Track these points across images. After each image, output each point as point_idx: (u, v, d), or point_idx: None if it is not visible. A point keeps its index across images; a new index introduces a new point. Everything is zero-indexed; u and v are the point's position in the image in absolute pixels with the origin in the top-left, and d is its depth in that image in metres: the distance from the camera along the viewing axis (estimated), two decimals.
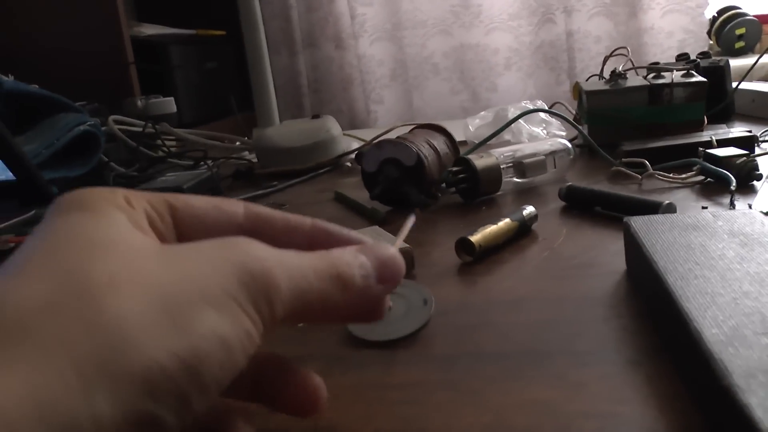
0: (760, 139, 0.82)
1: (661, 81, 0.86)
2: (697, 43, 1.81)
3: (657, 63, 0.99)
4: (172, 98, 1.30)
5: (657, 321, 0.39)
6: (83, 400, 0.17)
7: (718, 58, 0.99)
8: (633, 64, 0.97)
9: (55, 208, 0.22)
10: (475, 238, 0.53)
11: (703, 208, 0.61)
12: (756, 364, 0.27)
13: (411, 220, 0.33)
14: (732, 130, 0.81)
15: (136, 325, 0.18)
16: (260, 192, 0.87)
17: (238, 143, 1.19)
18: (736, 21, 1.98)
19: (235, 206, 0.27)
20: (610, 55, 1.00)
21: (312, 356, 0.42)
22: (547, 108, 1.06)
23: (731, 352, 0.28)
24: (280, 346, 0.43)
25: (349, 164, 0.96)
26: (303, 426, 0.33)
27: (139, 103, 1.27)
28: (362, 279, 0.25)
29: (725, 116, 0.98)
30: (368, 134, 1.17)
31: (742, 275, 0.36)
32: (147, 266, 0.20)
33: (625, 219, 0.47)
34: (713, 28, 2.01)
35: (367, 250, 0.26)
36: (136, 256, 0.21)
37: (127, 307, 0.18)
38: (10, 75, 1.10)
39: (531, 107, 1.00)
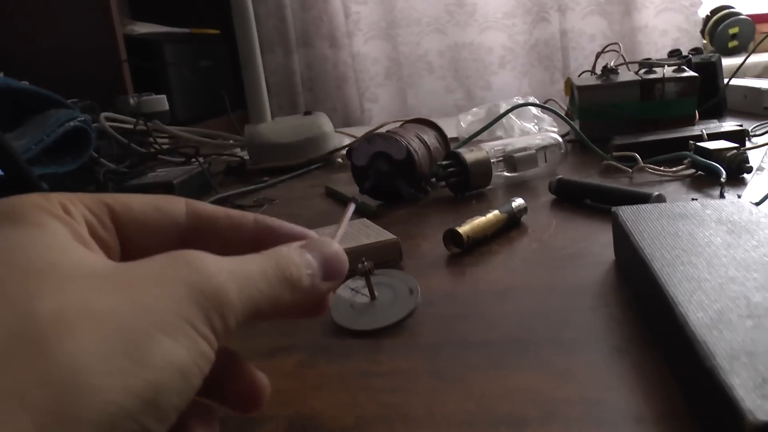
0: (752, 133, 0.82)
1: (652, 76, 0.86)
2: (691, 42, 1.81)
3: (649, 59, 0.99)
4: (164, 96, 1.29)
5: (645, 309, 0.39)
6: None
7: (710, 54, 0.99)
8: (625, 60, 0.97)
9: None
10: (463, 230, 0.52)
11: (693, 199, 0.60)
12: (739, 346, 0.27)
13: (350, 209, 0.33)
14: (723, 124, 0.81)
15: (91, 368, 0.17)
16: (251, 188, 0.86)
17: (231, 141, 1.19)
18: (729, 20, 1.98)
19: (176, 206, 0.26)
20: (602, 51, 1.00)
21: (297, 346, 0.41)
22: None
23: (715, 335, 0.28)
24: (264, 336, 0.43)
25: (340, 160, 0.96)
26: (285, 414, 0.33)
27: (131, 100, 1.27)
28: (309, 279, 0.25)
29: (717, 112, 0.98)
30: (360, 132, 1.17)
31: (728, 261, 0.36)
32: (96, 295, 0.19)
33: (614, 209, 0.47)
34: (707, 28, 2.01)
35: (311, 247, 0.26)
36: (83, 282, 0.19)
37: (81, 348, 0.18)
38: (0, 72, 1.10)
39: (522, 102, 0.99)
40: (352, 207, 0.33)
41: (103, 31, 1.61)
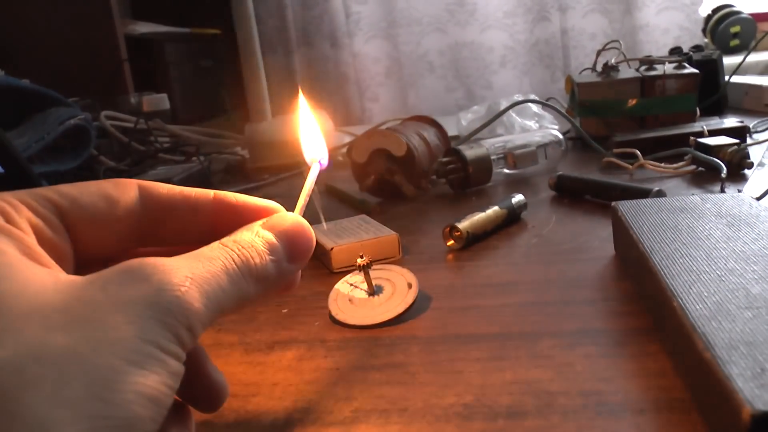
0: (753, 129, 0.81)
1: (653, 73, 0.85)
2: (693, 41, 1.80)
3: (650, 56, 0.99)
4: (165, 95, 1.29)
5: (644, 301, 0.39)
6: None
7: (711, 51, 0.99)
8: (625, 57, 0.97)
9: None
10: (462, 225, 0.52)
11: (692, 195, 0.60)
12: (738, 337, 0.27)
13: (313, 174, 0.30)
14: (724, 121, 0.81)
15: (60, 420, 0.16)
16: (251, 185, 0.86)
17: (232, 136, 1.19)
18: (730, 19, 1.98)
19: (128, 192, 0.25)
20: (603, 49, 1.00)
21: (295, 340, 0.41)
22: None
23: (714, 326, 0.28)
24: (262, 330, 0.43)
25: (340, 158, 0.96)
26: (282, 407, 0.33)
27: (132, 99, 1.27)
28: (274, 266, 0.24)
29: (718, 109, 0.97)
30: (361, 130, 1.17)
31: (727, 253, 0.35)
32: (53, 334, 0.18)
33: (614, 203, 0.47)
34: (708, 26, 2.00)
35: (274, 226, 0.25)
36: (37, 319, 0.18)
37: (45, 399, 0.16)
38: (0, 70, 1.10)
39: (522, 98, 0.99)
40: (315, 170, 0.30)
41: (104, 30, 1.62)
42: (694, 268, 0.34)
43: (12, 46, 1.60)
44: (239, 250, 0.23)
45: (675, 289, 0.32)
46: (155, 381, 0.18)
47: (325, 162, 0.31)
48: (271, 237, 0.25)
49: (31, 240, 0.21)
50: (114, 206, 0.24)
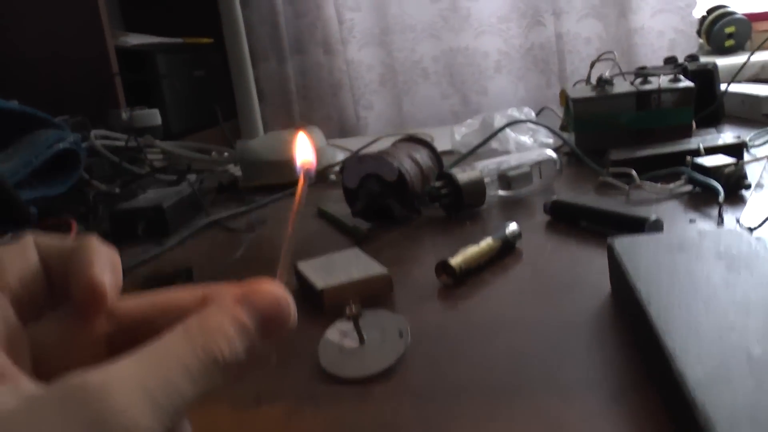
0: (750, 143, 0.80)
1: (648, 87, 0.84)
2: (688, 43, 1.79)
3: (644, 67, 0.97)
4: (156, 110, 1.28)
5: (641, 351, 0.38)
6: None
7: (706, 61, 0.98)
8: (620, 69, 0.95)
9: None
10: (455, 261, 0.51)
11: (691, 221, 0.59)
12: (741, 412, 0.25)
13: (289, 244, 0.26)
14: (721, 135, 0.80)
15: None
16: (243, 209, 0.85)
17: (225, 153, 1.17)
18: (725, 20, 1.97)
19: (92, 329, 0.23)
20: (597, 60, 0.98)
21: (283, 394, 0.40)
22: (534, 114, 1.04)
23: (714, 394, 0.27)
24: (249, 382, 0.41)
25: (333, 177, 0.95)
26: None
27: (123, 114, 1.26)
28: (246, 351, 0.22)
29: (715, 119, 0.96)
30: (354, 143, 1.16)
31: (727, 303, 0.34)
32: None
33: (609, 239, 0.46)
34: (702, 27, 2.00)
35: (249, 301, 0.23)
36: None
37: None
38: None
39: (517, 115, 0.98)
40: (295, 228, 0.26)
41: (94, 43, 1.60)
42: (693, 323, 0.33)
43: (2, 64, 1.59)
44: (205, 339, 0.21)
45: (673, 350, 0.31)
46: None
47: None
48: (243, 317, 0.22)
49: None
50: (76, 339, 0.23)
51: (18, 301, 0.23)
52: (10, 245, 0.24)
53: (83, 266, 0.24)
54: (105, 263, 0.24)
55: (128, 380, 0.19)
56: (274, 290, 0.23)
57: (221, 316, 0.22)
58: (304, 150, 0.29)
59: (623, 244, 0.44)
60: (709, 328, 0.32)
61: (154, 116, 1.28)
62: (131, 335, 0.24)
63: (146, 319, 0.24)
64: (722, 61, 1.00)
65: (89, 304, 0.24)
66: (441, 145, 0.91)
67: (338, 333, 0.43)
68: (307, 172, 0.28)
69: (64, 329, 0.24)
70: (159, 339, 0.21)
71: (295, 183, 0.91)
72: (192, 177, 1.00)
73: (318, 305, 0.50)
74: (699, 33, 1.94)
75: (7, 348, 0.21)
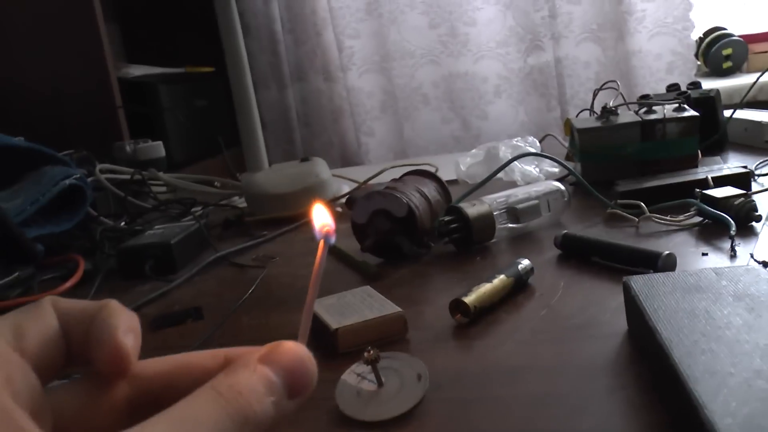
0: (756, 172, 0.81)
1: (653, 116, 0.85)
2: (686, 65, 1.81)
3: (648, 96, 0.98)
4: (160, 142, 1.28)
5: (663, 394, 0.37)
6: None
7: (708, 89, 0.98)
8: (624, 98, 0.96)
9: None
10: (469, 300, 0.51)
11: (704, 254, 0.59)
12: None
13: (313, 297, 0.26)
14: (727, 165, 0.80)
15: None
16: (250, 243, 0.85)
17: (229, 183, 1.17)
18: (722, 42, 1.99)
19: (114, 392, 0.24)
20: (600, 89, 0.99)
21: None
22: (538, 143, 1.05)
23: None
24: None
25: (339, 209, 0.95)
26: None
27: (127, 148, 1.26)
28: (273, 407, 0.22)
29: (719, 147, 0.97)
30: (358, 173, 1.16)
31: (751, 348, 0.34)
32: None
33: (625, 279, 0.46)
34: (700, 49, 2.01)
35: (273, 360, 0.23)
36: None
37: None
38: None
39: (522, 145, 0.98)
40: (315, 293, 0.27)
41: (97, 75, 1.61)
42: (718, 369, 0.33)
43: (4, 98, 1.60)
44: (235, 398, 0.21)
45: (700, 398, 0.30)
46: None
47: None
48: (270, 374, 0.22)
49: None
50: (96, 402, 0.23)
51: (38, 365, 0.23)
52: (28, 308, 0.24)
53: (107, 331, 0.24)
54: (127, 327, 0.24)
55: None
56: (297, 349, 0.24)
57: (249, 374, 0.22)
58: (322, 215, 0.28)
59: (639, 283, 0.44)
60: (735, 375, 0.32)
61: (158, 149, 1.28)
62: (151, 398, 0.24)
63: (167, 381, 0.24)
64: (720, 84, 1.01)
65: (114, 369, 0.24)
66: (445, 174, 0.91)
67: (355, 376, 0.43)
68: (326, 237, 0.28)
69: (86, 394, 0.24)
70: (187, 400, 0.21)
71: (302, 215, 0.90)
72: (197, 210, 1.00)
73: (331, 346, 0.50)
74: (696, 55, 1.95)
75: (32, 413, 0.21)
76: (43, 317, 0.24)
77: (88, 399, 0.24)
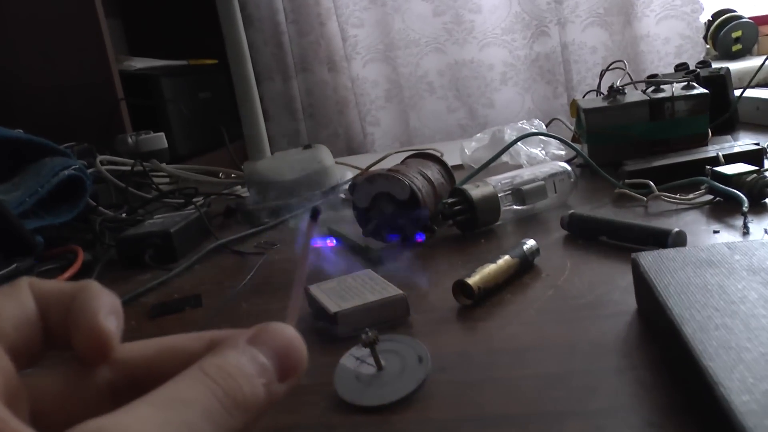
0: None
1: (661, 95, 0.82)
2: (695, 49, 1.78)
3: (656, 75, 0.96)
4: (162, 134, 1.27)
5: (676, 373, 0.36)
6: None
7: (718, 67, 0.96)
8: (631, 78, 0.94)
9: None
10: (473, 281, 0.49)
11: (715, 232, 0.57)
12: None
13: (303, 275, 0.25)
14: (738, 143, 0.78)
15: None
16: (251, 231, 0.83)
17: (233, 174, 1.16)
18: (731, 24, 1.95)
19: (96, 374, 0.23)
20: (607, 69, 0.97)
21: (299, 425, 0.38)
22: (544, 126, 1.03)
23: (765, 425, 0.25)
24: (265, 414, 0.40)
25: (343, 196, 0.93)
26: None
27: (129, 140, 1.25)
28: (265, 390, 0.21)
29: (729, 126, 0.94)
30: (362, 161, 1.15)
31: None
32: None
33: (633, 255, 0.44)
34: (709, 32, 1.98)
35: (262, 341, 0.22)
36: None
37: None
38: None
39: (527, 128, 0.97)
40: (304, 273, 0.25)
41: (99, 68, 1.60)
42: (733, 344, 0.31)
43: (6, 91, 1.59)
44: (224, 380, 0.20)
45: (715, 374, 0.29)
46: None
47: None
48: (260, 356, 0.21)
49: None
50: (76, 387, 0.22)
51: (13, 349, 0.21)
52: (3, 289, 0.23)
53: (87, 313, 0.22)
54: (108, 309, 0.23)
55: (147, 426, 0.18)
56: (286, 330, 0.23)
57: (239, 356, 0.21)
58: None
59: (648, 259, 0.43)
60: (751, 350, 0.30)
61: (160, 140, 1.26)
62: (135, 382, 0.23)
63: (151, 365, 0.23)
64: (731, 66, 0.99)
65: (95, 353, 0.23)
66: (451, 160, 0.89)
67: (354, 359, 0.41)
68: (312, 210, 0.26)
69: (67, 378, 0.23)
70: (174, 381, 0.20)
71: (304, 203, 0.88)
72: (199, 200, 0.99)
73: (331, 330, 0.48)
74: (705, 38, 1.92)
75: (7, 400, 0.20)
76: (19, 298, 0.23)
77: (68, 384, 0.23)
